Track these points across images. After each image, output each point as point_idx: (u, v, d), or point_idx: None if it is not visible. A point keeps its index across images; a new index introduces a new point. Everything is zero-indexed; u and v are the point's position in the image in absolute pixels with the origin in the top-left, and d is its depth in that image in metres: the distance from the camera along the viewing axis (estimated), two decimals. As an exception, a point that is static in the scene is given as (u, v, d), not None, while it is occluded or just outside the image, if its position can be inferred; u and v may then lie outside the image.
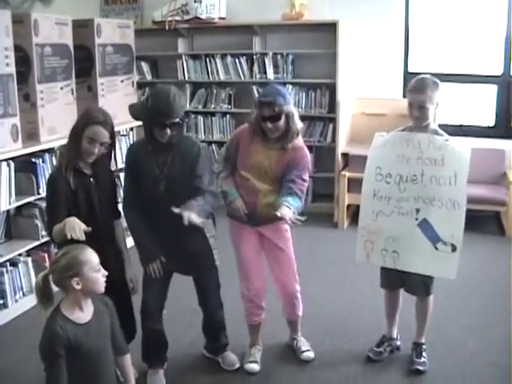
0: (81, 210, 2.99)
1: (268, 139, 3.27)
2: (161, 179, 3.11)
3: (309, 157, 3.35)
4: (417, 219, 3.26)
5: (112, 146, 3.09)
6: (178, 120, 3.02)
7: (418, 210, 3.26)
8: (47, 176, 4.25)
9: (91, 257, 2.43)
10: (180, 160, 3.13)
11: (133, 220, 3.17)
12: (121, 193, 3.37)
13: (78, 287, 2.37)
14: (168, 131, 3.01)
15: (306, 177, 3.29)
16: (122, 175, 3.98)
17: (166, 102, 2.97)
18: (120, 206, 3.25)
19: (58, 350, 2.32)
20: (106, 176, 3.15)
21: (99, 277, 2.44)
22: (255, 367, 3.49)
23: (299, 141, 3.32)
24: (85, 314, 2.44)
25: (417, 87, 3.25)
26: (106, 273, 2.48)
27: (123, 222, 3.27)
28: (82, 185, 3.02)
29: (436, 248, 3.23)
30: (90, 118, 3.01)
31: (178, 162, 3.12)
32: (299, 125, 3.28)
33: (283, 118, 3.18)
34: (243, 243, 3.41)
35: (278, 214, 2.99)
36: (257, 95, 3.26)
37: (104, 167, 3.14)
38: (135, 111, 3.20)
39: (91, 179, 3.06)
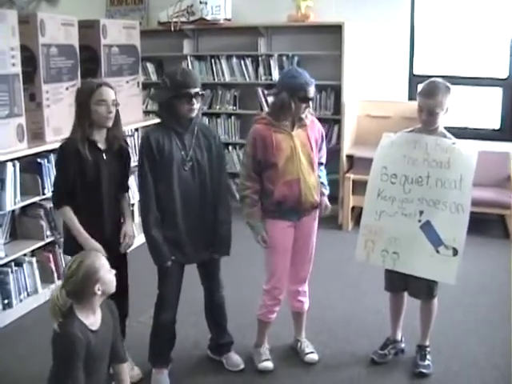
0: (87, 183, 3.09)
1: (284, 125, 3.27)
2: (186, 161, 3.15)
3: None
4: (420, 221, 3.25)
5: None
6: (199, 89, 3.10)
7: (421, 212, 3.25)
8: (52, 175, 4.32)
9: (103, 260, 2.50)
10: (204, 143, 3.21)
11: (149, 216, 3.15)
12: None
13: (99, 292, 2.44)
14: (195, 102, 3.08)
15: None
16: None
17: (184, 74, 3.09)
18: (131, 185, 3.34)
19: (79, 351, 2.35)
20: (119, 151, 3.20)
21: (112, 277, 2.52)
22: (270, 365, 3.49)
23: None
24: (96, 318, 2.49)
25: (429, 91, 3.20)
26: (115, 271, 2.54)
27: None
28: (93, 159, 3.08)
29: (437, 251, 3.22)
30: (92, 84, 3.10)
31: (202, 144, 3.21)
32: None
33: None
34: (281, 243, 3.36)
35: (328, 207, 3.42)
36: (288, 77, 3.26)
37: (118, 142, 3.20)
38: (158, 97, 3.28)
39: (104, 154, 3.12)
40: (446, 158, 3.20)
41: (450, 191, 3.19)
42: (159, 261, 3.17)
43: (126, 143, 3.36)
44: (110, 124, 3.10)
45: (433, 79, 3.29)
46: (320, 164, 3.47)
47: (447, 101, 3.20)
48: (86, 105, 3.04)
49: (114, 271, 2.53)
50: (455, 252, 3.18)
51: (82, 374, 2.35)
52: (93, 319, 2.46)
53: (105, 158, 3.13)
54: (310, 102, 3.26)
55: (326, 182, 3.48)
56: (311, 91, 3.21)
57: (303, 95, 3.20)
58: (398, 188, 3.30)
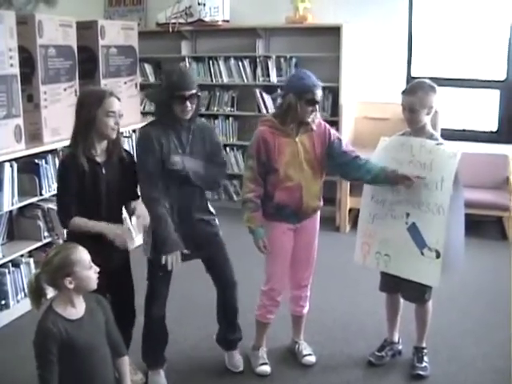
0: (86, 197, 2.96)
1: (288, 129, 3.24)
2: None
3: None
4: (407, 223, 3.27)
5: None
6: (195, 91, 3.08)
7: (408, 214, 3.27)
8: (50, 176, 4.31)
9: (82, 255, 2.44)
10: (199, 138, 3.20)
11: (158, 209, 3.10)
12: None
13: (71, 286, 2.40)
14: (188, 104, 3.06)
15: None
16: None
17: (180, 76, 3.08)
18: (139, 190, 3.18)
19: (50, 347, 2.33)
20: (119, 162, 3.06)
21: (91, 274, 2.45)
22: (267, 369, 3.48)
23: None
24: (77, 310, 2.45)
25: (409, 89, 3.26)
26: (98, 269, 2.47)
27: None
28: (91, 173, 2.95)
29: (422, 253, 3.22)
30: (100, 93, 2.97)
31: (198, 140, 3.19)
32: None
33: None
34: (281, 245, 3.34)
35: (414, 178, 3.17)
36: (295, 80, 3.27)
37: (118, 152, 3.05)
38: (153, 96, 3.30)
39: (102, 168, 2.98)
40: (429, 160, 3.20)
41: (432, 193, 3.18)
42: (167, 251, 3.05)
43: (126, 151, 3.18)
44: (114, 136, 2.97)
45: (418, 79, 3.33)
46: (356, 157, 3.31)
47: (430, 100, 3.20)
48: (93, 115, 2.88)
49: (96, 269, 2.45)
50: (438, 254, 3.17)
51: (56, 367, 2.34)
52: (73, 311, 2.43)
53: (104, 171, 2.98)
54: (317, 106, 3.23)
55: (379, 165, 3.28)
56: (319, 94, 3.20)
57: (310, 97, 3.18)
58: (388, 191, 3.33)
